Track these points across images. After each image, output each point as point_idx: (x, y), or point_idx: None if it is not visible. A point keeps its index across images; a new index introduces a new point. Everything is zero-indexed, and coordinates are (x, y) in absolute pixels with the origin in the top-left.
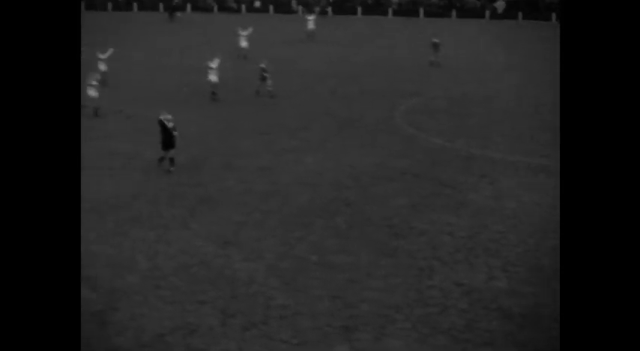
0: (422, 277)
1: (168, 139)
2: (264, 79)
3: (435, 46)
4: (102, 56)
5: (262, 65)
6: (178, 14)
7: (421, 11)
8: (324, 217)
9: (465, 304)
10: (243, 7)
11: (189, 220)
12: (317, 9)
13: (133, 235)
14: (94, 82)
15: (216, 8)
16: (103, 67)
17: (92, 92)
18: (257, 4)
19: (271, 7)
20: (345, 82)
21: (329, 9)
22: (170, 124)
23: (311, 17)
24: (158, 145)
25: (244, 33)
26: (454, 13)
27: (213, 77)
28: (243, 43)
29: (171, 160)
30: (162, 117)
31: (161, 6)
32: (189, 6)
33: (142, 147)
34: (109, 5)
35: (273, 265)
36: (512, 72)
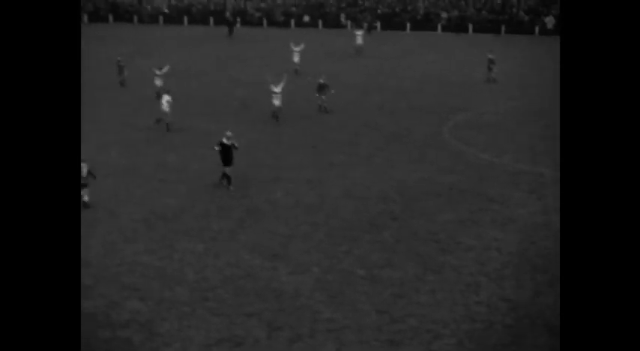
0: (468, 292)
1: (226, 156)
2: (322, 93)
3: (491, 62)
4: (158, 72)
5: (321, 81)
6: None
7: (470, 27)
8: (371, 231)
9: (512, 320)
10: (292, 21)
11: (238, 233)
12: (365, 24)
13: (182, 247)
14: (168, 98)
15: (265, 23)
16: (159, 82)
17: (166, 108)
18: (306, 18)
19: (320, 22)
20: (392, 97)
21: (377, 24)
22: (229, 142)
23: (359, 32)
24: (208, 158)
25: (297, 48)
26: (503, 28)
27: (276, 101)
28: (296, 59)
29: (229, 178)
30: (224, 139)
31: (211, 20)
32: (239, 20)
33: (190, 160)
34: (160, 19)
35: (319, 279)
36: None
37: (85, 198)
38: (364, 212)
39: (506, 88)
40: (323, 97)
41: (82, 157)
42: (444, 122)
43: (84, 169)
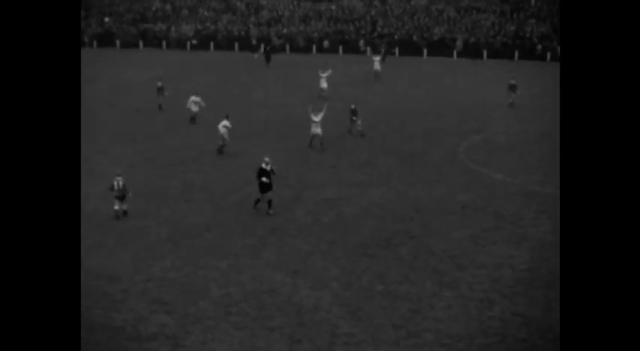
0: (482, 308)
1: (265, 182)
2: (354, 119)
3: (512, 87)
4: (323, 75)
5: (352, 106)
6: (255, 55)
7: (484, 52)
8: (389, 248)
9: (524, 335)
10: (314, 47)
11: (260, 250)
12: (383, 50)
13: (206, 263)
14: (226, 123)
15: (287, 48)
16: (194, 108)
17: (224, 133)
18: (325, 43)
19: (340, 48)
20: (409, 120)
21: (395, 50)
22: (268, 167)
23: (377, 58)
24: (232, 178)
25: (324, 74)
26: (516, 54)
27: (316, 130)
28: (324, 84)
29: (269, 203)
30: (262, 164)
31: (236, 45)
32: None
33: (215, 180)
34: (188, 44)
35: (338, 294)
36: None
37: (124, 207)
38: (382, 230)
39: (519, 112)
40: (359, 121)
41: (117, 172)
42: (459, 144)
43: (120, 182)
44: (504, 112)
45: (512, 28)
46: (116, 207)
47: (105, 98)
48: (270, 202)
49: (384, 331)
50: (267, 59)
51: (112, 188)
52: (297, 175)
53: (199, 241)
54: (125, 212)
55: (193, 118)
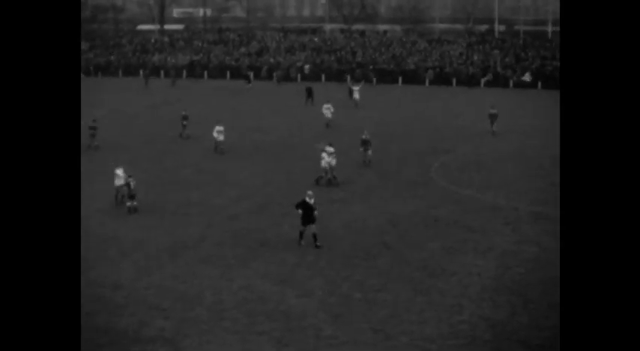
0: (453, 312)
1: (308, 215)
2: (366, 149)
3: (493, 116)
4: (355, 88)
5: (364, 136)
6: (248, 85)
7: (454, 81)
8: (368, 259)
9: (490, 336)
10: (299, 76)
11: (250, 260)
12: (362, 82)
13: (201, 272)
14: (219, 128)
15: (275, 77)
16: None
17: (217, 135)
18: (306, 67)
19: (323, 76)
20: (386, 142)
21: (373, 79)
22: (312, 201)
23: (356, 87)
24: (225, 195)
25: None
26: (482, 81)
27: (331, 160)
28: (328, 114)
29: (314, 236)
30: (306, 198)
31: (228, 73)
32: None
33: (211, 196)
34: (184, 73)
35: (322, 301)
36: (535, 133)
37: (135, 203)
38: (362, 242)
39: (486, 133)
40: (368, 152)
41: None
42: (431, 163)
43: (132, 183)
44: (472, 134)
45: (480, 58)
46: (128, 204)
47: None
48: (315, 236)
49: (364, 334)
50: (279, 82)
51: (127, 186)
52: (285, 192)
53: (195, 251)
54: (136, 209)
55: (219, 147)
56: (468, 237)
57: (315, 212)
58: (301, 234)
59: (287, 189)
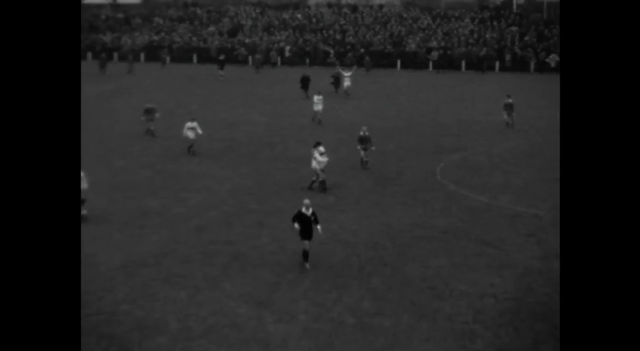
0: (464, 341)
1: (308, 230)
2: (365, 149)
3: (509, 107)
4: (346, 75)
5: (362, 133)
6: (221, 72)
7: (463, 63)
8: (361, 278)
9: None
10: (279, 59)
11: (221, 280)
12: (354, 67)
13: (164, 295)
14: (191, 124)
15: (250, 60)
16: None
17: (190, 133)
18: (287, 49)
19: (307, 60)
20: (382, 138)
21: (367, 58)
22: (309, 212)
23: (347, 74)
24: (190, 202)
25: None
26: (497, 65)
27: (322, 161)
28: (318, 107)
29: (305, 254)
30: (302, 208)
31: (195, 57)
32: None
33: (172, 203)
34: (142, 56)
35: (307, 328)
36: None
37: (85, 211)
38: (353, 258)
39: (500, 128)
40: (363, 151)
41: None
42: (436, 163)
43: (84, 184)
44: (484, 129)
45: (494, 36)
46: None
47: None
48: (306, 253)
49: None
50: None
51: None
52: (260, 199)
53: (156, 270)
54: (85, 218)
55: (191, 148)
56: (481, 251)
57: (318, 226)
58: (305, 254)
59: (263, 195)
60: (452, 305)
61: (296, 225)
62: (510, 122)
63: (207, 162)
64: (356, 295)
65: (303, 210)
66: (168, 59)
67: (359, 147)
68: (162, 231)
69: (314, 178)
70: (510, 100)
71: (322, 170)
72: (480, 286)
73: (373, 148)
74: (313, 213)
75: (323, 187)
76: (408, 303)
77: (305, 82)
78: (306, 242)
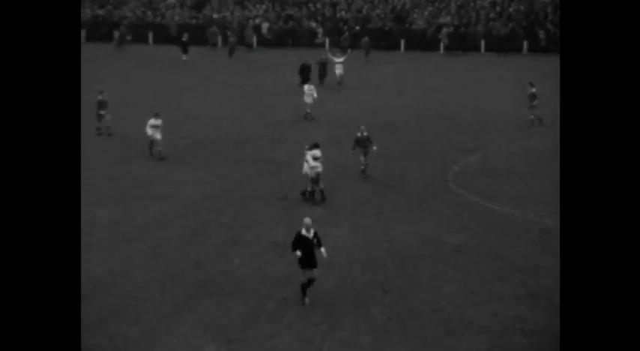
0: None
1: (309, 256)
2: (365, 153)
3: (533, 98)
4: (337, 60)
5: (360, 134)
6: (184, 57)
7: (482, 44)
8: (357, 307)
9: None
10: (254, 39)
11: (184, 312)
12: (349, 50)
13: (114, 328)
14: (155, 122)
15: (220, 41)
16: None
17: (153, 132)
18: (265, 26)
19: (290, 41)
20: (383, 136)
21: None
22: (311, 233)
23: (339, 60)
24: (148, 213)
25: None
26: (525, 45)
27: (317, 166)
28: (308, 99)
29: (309, 283)
30: (302, 230)
31: (150, 36)
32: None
33: (125, 215)
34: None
35: None
36: None
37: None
38: (347, 283)
39: (526, 123)
40: (362, 156)
41: None
42: (447, 166)
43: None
44: (507, 124)
45: (521, 9)
46: None
47: None
48: (310, 282)
49: None
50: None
51: None
52: (233, 209)
53: (105, 297)
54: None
55: (155, 149)
56: (501, 274)
57: (322, 250)
58: (304, 288)
59: (236, 205)
60: (470, 342)
61: (298, 252)
62: (533, 118)
63: (169, 165)
64: (351, 328)
65: (304, 232)
66: (129, 38)
67: (352, 151)
68: (113, 251)
69: (308, 188)
70: (534, 90)
71: (315, 179)
72: (499, 316)
73: (375, 148)
74: (315, 234)
75: (318, 197)
76: (414, 338)
77: (306, 73)
78: (309, 271)
